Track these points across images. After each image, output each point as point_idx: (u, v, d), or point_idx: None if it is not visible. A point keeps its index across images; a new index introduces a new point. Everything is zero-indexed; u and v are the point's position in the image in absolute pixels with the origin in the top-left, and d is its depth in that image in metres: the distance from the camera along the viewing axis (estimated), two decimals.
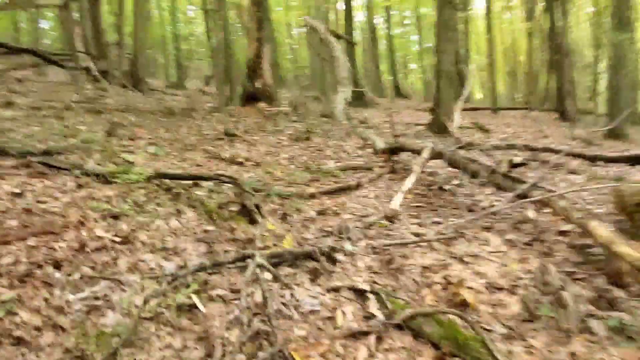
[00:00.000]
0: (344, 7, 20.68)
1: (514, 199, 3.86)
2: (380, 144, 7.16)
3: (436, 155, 5.10)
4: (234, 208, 3.74)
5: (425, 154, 4.91)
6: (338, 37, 13.23)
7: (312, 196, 4.73)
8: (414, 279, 3.00)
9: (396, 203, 4.32)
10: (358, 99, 17.72)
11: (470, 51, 26.39)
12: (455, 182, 5.63)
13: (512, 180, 3.99)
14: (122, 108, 9.31)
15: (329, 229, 3.73)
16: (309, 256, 2.94)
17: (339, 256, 3.16)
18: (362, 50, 30.07)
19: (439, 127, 9.44)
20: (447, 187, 5.50)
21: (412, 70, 41.11)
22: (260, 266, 2.33)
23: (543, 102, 21.09)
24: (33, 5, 11.51)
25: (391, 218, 4.20)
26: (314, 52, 17.39)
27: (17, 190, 3.72)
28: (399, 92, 28.46)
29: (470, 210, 4.63)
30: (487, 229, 4.01)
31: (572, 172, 6.43)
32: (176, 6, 22.91)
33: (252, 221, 3.55)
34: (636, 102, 14.72)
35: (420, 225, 4.17)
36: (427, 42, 32.63)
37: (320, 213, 4.18)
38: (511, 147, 6.58)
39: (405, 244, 3.53)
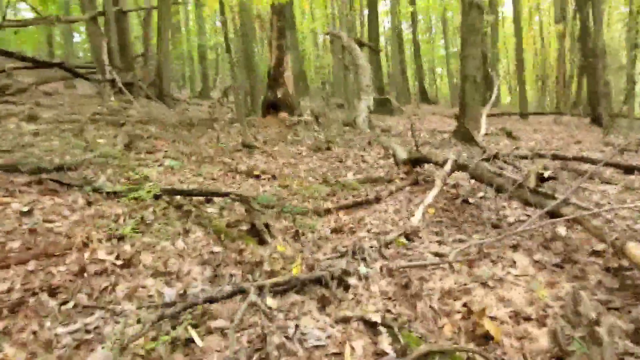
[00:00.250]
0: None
1: (543, 216, 3.59)
2: (402, 154, 6.92)
3: (459, 167, 4.85)
4: (244, 227, 3.59)
5: (448, 166, 4.67)
6: (361, 44, 13.07)
7: (328, 212, 4.55)
8: (431, 307, 2.78)
9: (416, 219, 4.09)
10: (382, 106, 17.49)
11: (499, 55, 25.83)
12: (480, 194, 5.37)
13: (541, 196, 3.71)
14: (144, 120, 9.33)
15: (344, 249, 3.53)
16: (319, 281, 2.75)
17: (352, 280, 2.96)
18: (388, 57, 29.85)
19: (464, 135, 9.14)
20: (471, 200, 5.24)
21: (438, 75, 40.60)
22: (252, 305, 2.15)
23: (575, 106, 20.41)
24: (62, 20, 11.71)
25: (410, 235, 3.98)
26: (338, 60, 17.28)
27: (26, 209, 3.66)
28: (425, 98, 28.08)
29: (495, 227, 4.36)
30: (514, 247, 3.75)
31: (606, 182, 6.07)
32: (203, 16, 23.14)
33: (262, 241, 3.38)
34: None
35: (441, 243, 3.93)
36: (454, 46, 32.20)
37: (335, 231, 3.99)
38: (540, 156, 6.26)
39: (424, 266, 3.31)
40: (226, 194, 4.02)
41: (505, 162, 4.93)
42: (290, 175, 5.98)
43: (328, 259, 3.41)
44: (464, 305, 2.77)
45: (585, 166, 6.57)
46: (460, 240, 3.99)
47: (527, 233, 4.15)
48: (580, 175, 6.44)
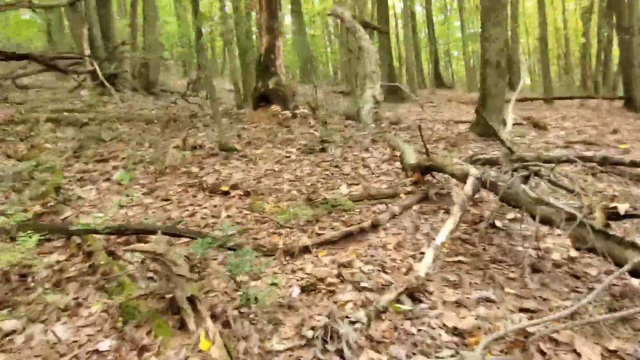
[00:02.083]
0: None
1: (619, 274, 2.33)
2: (411, 156, 5.66)
3: (483, 185, 3.59)
4: (161, 303, 2.39)
5: (468, 187, 3.40)
6: (366, 25, 11.67)
7: (304, 250, 3.34)
8: None
9: (424, 267, 2.86)
10: (393, 93, 16.11)
11: (519, 34, 24.12)
12: (511, 215, 4.11)
13: (614, 243, 2.45)
14: (118, 117, 8.19)
15: (310, 331, 2.32)
16: None
17: None
18: (400, 40, 28.30)
19: (484, 129, 7.81)
20: (499, 223, 3.99)
21: (454, 58, 38.81)
22: None
23: (605, 89, 18.77)
24: (36, 5, 10.54)
25: (415, 292, 2.76)
26: (342, 43, 15.88)
27: None
28: (440, 82, 26.52)
29: (536, 271, 3.12)
30: (572, 317, 2.50)
31: None
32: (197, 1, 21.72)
33: (182, 325, 2.19)
34: None
35: (460, 304, 2.70)
36: (471, 27, 30.45)
37: (307, 290, 2.78)
38: (585, 160, 4.94)
39: None
40: (153, 231, 2.83)
41: (539, 174, 3.66)
42: (268, 190, 4.77)
43: (286, 350, 2.21)
44: None
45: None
46: (489, 300, 2.76)
47: (586, 283, 2.91)
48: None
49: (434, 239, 3.25)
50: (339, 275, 2.95)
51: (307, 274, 2.97)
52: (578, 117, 12.60)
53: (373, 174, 5.70)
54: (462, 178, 3.88)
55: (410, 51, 20.03)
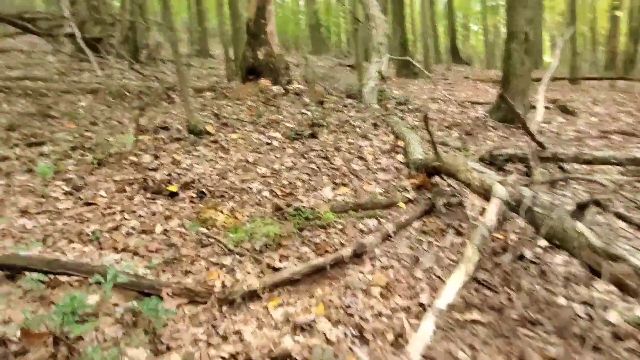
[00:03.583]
0: None
1: None
2: (417, 150, 4.58)
3: (515, 211, 2.51)
4: None
5: (492, 215, 2.33)
6: None
7: (253, 295, 2.33)
8: None
9: (418, 345, 1.85)
10: (405, 68, 14.85)
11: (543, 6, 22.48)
12: (543, 242, 3.05)
13: None
14: (86, 88, 7.15)
15: None
16: None
17: None
18: (416, 11, 26.70)
19: (506, 114, 6.67)
20: (528, 253, 2.94)
21: (473, 32, 36.99)
22: None
23: (635, 70, 17.30)
24: None
25: None
26: (348, 11, 14.52)
27: None
28: (457, 58, 25.01)
29: (595, 349, 2.09)
30: None
31: None
32: None
33: None
34: None
35: None
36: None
37: None
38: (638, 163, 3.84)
39: None
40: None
41: (601, 204, 2.59)
42: (231, 191, 3.74)
43: None
44: None
45: None
46: None
47: None
48: None
49: (434, 298, 2.23)
50: (296, 341, 1.95)
51: (241, 344, 1.97)
52: (610, 101, 11.31)
53: (369, 169, 4.64)
54: (481, 192, 2.81)
55: (426, 23, 18.58)
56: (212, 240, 2.86)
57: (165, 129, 5.32)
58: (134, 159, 4.21)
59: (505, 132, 6.48)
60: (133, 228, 2.95)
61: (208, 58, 16.79)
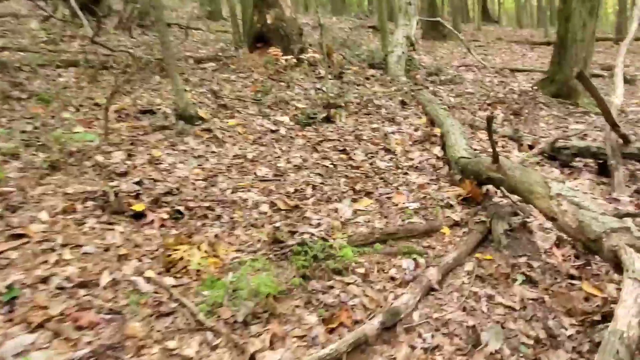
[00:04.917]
0: None
1: None
2: (461, 146, 3.57)
3: None
4: None
5: (629, 311, 1.38)
6: None
7: None
8: None
9: None
10: (434, 29, 13.54)
11: None
12: None
13: None
14: (70, 60, 6.24)
15: None
16: None
17: None
18: None
19: (563, 89, 5.57)
20: None
21: None
22: None
23: None
24: None
25: None
26: None
27: None
28: (487, 17, 23.29)
29: None
30: None
31: None
32: None
33: None
34: None
35: None
36: None
37: None
38: None
39: None
40: None
41: None
42: (217, 205, 2.84)
43: None
44: None
45: None
46: None
47: None
48: None
49: None
50: None
51: None
52: None
53: (398, 167, 3.68)
54: (580, 238, 1.85)
55: None
56: (178, 302, 1.97)
57: (150, 112, 4.41)
58: (101, 158, 3.32)
59: (561, 110, 5.39)
60: (68, 279, 2.08)
61: (220, 20, 15.60)
